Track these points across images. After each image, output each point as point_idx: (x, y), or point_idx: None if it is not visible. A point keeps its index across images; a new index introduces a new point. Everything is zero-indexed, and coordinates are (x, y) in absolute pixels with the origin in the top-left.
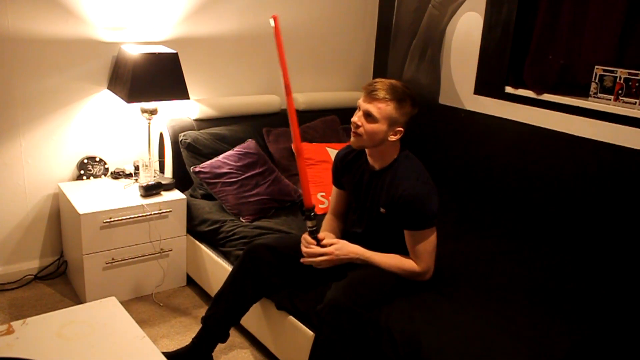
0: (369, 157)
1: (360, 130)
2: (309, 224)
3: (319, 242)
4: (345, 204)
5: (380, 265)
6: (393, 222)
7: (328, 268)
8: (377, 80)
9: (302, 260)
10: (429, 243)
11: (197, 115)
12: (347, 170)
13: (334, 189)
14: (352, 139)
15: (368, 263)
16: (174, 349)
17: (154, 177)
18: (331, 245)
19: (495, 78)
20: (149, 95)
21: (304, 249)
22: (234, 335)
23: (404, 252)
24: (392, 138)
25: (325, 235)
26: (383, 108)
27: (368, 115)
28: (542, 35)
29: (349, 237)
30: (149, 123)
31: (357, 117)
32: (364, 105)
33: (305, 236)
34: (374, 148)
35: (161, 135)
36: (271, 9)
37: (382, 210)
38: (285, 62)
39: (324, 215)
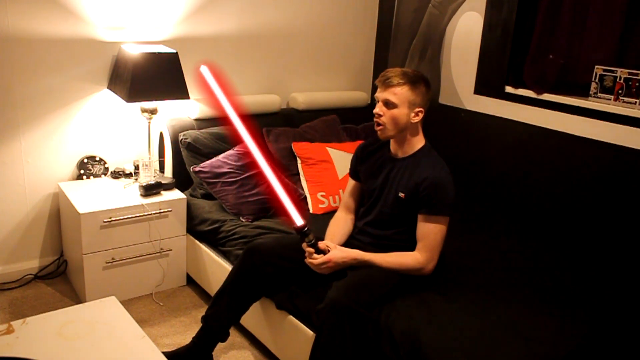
0: (392, 145)
1: (383, 119)
2: (306, 240)
3: (318, 250)
4: (359, 197)
5: (380, 264)
6: (409, 207)
7: None
8: (388, 70)
9: (306, 261)
10: (439, 232)
11: (197, 115)
12: (366, 159)
13: (349, 183)
14: (377, 131)
15: (368, 264)
16: (174, 349)
17: (154, 176)
18: (329, 252)
19: (495, 78)
20: (149, 94)
21: (307, 259)
22: (234, 335)
23: (407, 244)
24: (415, 119)
25: (325, 243)
26: (399, 92)
27: (387, 104)
28: (542, 35)
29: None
30: (149, 122)
31: (377, 108)
32: (381, 95)
33: (306, 248)
34: (399, 134)
35: (161, 135)
36: (271, 9)
37: (401, 194)
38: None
39: (325, 215)
